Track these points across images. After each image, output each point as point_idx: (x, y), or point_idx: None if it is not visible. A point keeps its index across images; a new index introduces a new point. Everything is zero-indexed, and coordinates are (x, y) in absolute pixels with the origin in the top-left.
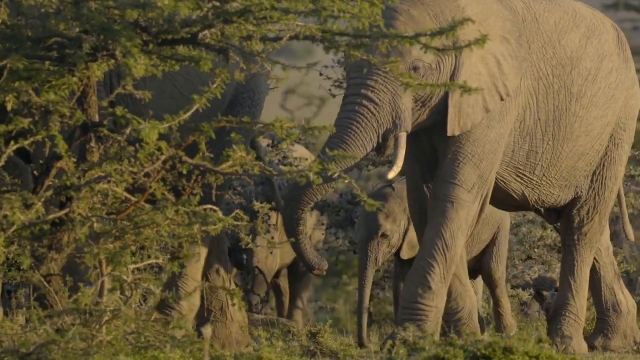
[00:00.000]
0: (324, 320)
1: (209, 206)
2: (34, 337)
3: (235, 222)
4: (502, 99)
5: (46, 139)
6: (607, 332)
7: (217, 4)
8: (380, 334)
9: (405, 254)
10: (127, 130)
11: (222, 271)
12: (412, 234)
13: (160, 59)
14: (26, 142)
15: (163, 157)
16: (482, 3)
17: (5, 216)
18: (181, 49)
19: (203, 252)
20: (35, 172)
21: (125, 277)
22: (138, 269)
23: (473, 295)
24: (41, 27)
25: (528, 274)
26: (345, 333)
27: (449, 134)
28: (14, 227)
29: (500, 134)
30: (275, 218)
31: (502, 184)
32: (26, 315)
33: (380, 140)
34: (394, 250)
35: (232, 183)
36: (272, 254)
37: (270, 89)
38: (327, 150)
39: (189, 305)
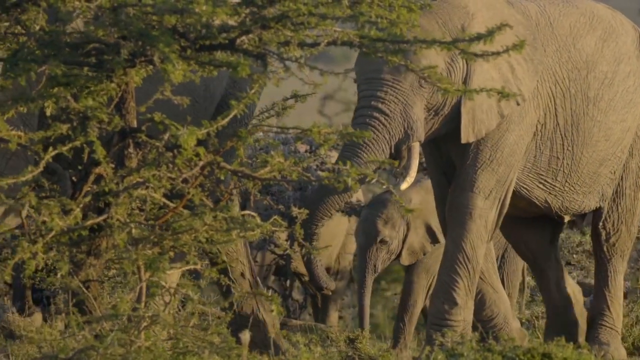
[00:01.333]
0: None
1: (248, 212)
2: (73, 343)
3: (273, 228)
4: (517, 104)
5: (84, 145)
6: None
7: (255, 9)
8: (418, 339)
9: (405, 260)
10: (166, 136)
11: (247, 274)
12: (411, 240)
13: (199, 65)
14: (65, 149)
15: (201, 163)
16: (492, 8)
17: (44, 222)
18: (219, 55)
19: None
20: (73, 178)
21: (163, 283)
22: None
23: (507, 299)
24: (79, 33)
25: None
26: (383, 339)
27: (463, 141)
28: (53, 233)
29: (519, 136)
30: None
31: (525, 192)
32: (65, 321)
33: (393, 151)
34: (393, 257)
35: (270, 189)
36: None
37: (309, 95)
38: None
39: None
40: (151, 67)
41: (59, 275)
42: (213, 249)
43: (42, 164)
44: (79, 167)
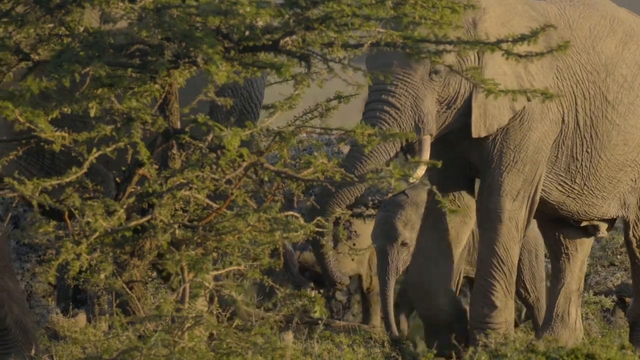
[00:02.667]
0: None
1: (291, 213)
2: (117, 344)
3: (316, 229)
4: (529, 100)
5: (128, 146)
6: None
7: (299, 10)
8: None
9: None
10: (209, 137)
11: None
12: None
13: (242, 66)
14: (108, 150)
15: (245, 164)
16: (505, 4)
17: (87, 223)
18: (263, 56)
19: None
20: (117, 179)
21: (207, 284)
22: (219, 275)
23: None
24: (123, 35)
25: (611, 281)
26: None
27: (474, 135)
28: (97, 234)
29: (544, 132)
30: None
31: (543, 193)
32: (109, 321)
33: (404, 144)
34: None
35: (313, 190)
36: (353, 261)
37: (352, 96)
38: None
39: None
40: (195, 68)
41: (102, 276)
42: (257, 250)
43: (86, 165)
44: (123, 168)
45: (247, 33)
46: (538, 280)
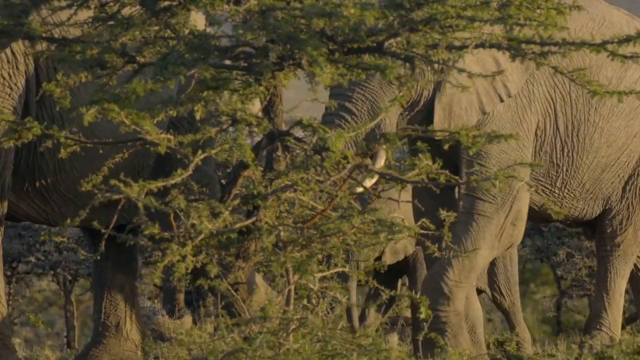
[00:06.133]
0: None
1: (396, 215)
2: (222, 346)
3: (421, 231)
4: (502, 101)
5: (233, 148)
6: None
7: (403, 12)
8: (567, 342)
9: (387, 260)
10: (314, 139)
11: None
12: None
13: (346, 68)
14: (214, 152)
15: (349, 166)
16: None
17: (193, 225)
18: (367, 58)
19: None
20: (222, 181)
21: (312, 286)
22: (325, 277)
23: (477, 308)
24: (228, 37)
25: None
26: (533, 342)
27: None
28: (202, 236)
29: (518, 142)
30: None
31: None
32: (214, 323)
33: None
34: (377, 254)
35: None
36: None
37: None
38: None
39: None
40: (299, 70)
41: (208, 278)
42: (361, 252)
43: (192, 166)
44: (228, 170)
45: (351, 35)
46: (513, 284)
